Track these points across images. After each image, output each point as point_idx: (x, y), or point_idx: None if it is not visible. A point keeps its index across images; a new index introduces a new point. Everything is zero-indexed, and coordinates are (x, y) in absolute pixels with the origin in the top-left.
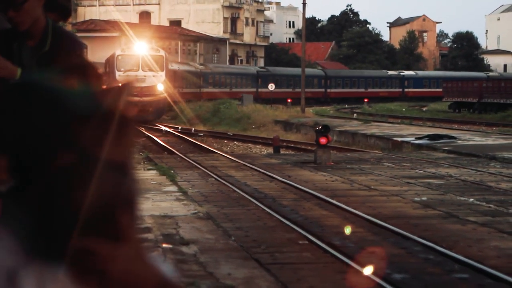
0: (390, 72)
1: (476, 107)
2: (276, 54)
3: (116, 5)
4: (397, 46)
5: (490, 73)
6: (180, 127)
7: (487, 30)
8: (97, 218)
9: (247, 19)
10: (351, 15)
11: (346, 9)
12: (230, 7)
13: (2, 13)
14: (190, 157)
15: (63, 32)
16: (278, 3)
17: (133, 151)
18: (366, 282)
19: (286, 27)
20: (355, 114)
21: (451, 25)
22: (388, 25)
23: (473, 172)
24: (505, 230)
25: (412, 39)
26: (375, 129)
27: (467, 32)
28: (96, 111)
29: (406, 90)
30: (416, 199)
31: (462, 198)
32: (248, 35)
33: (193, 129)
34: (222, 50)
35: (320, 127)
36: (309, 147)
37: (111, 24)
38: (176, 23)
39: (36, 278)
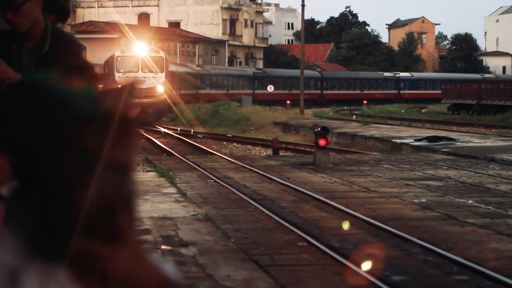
0: (386, 74)
1: (475, 109)
2: (275, 55)
3: (115, 7)
4: (396, 47)
5: (486, 75)
6: (179, 129)
7: (486, 32)
8: (97, 218)
9: (246, 20)
10: (350, 17)
11: (345, 10)
12: (229, 8)
13: (1, 15)
14: (189, 158)
15: (62, 33)
16: (277, 5)
17: (134, 152)
18: (365, 284)
19: (285, 28)
20: (354, 116)
21: (450, 26)
22: (387, 26)
23: (472, 174)
24: (504, 232)
25: (411, 41)
26: (374, 130)
27: (466, 34)
28: (97, 111)
29: (401, 92)
30: (415, 201)
31: (461, 200)
32: (247, 37)
33: (192, 130)
34: (221, 52)
35: (319, 129)
36: (308, 149)
37: (110, 26)
38: (175, 24)
39: (38, 278)
